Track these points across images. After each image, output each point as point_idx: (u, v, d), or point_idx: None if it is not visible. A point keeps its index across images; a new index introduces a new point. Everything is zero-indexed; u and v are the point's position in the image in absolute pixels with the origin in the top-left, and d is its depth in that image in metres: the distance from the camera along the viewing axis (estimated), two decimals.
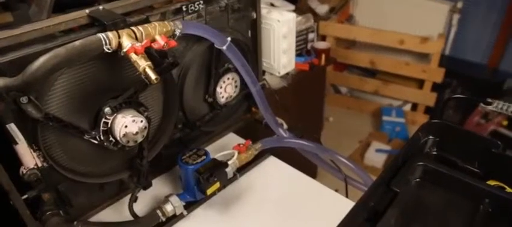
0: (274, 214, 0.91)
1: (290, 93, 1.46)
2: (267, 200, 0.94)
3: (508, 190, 0.54)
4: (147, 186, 0.92)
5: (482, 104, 0.55)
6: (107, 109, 0.68)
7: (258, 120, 1.07)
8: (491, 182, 0.56)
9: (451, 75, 2.51)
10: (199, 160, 0.83)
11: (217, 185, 0.84)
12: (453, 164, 0.59)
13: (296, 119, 1.15)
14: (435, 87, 2.56)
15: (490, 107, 0.55)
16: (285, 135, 0.97)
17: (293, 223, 0.87)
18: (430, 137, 0.59)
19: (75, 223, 0.73)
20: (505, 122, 2.23)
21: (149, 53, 0.63)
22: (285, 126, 1.03)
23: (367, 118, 2.85)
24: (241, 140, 0.96)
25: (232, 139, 1.08)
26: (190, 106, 0.90)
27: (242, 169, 0.98)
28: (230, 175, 0.88)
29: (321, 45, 1.90)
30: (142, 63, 0.59)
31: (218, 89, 0.93)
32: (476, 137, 0.58)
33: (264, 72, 1.03)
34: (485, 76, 2.61)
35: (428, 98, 2.60)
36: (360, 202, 0.45)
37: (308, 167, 1.09)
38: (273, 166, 1.05)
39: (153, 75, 0.59)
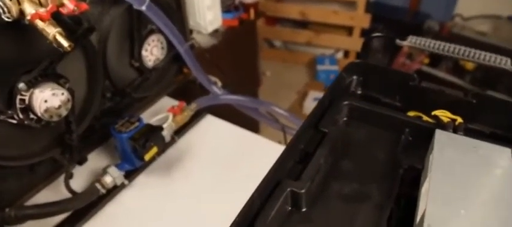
0: (217, 170, 0.92)
1: (222, 51, 1.44)
2: (210, 158, 0.95)
3: (425, 118, 0.58)
4: (81, 161, 0.89)
5: (397, 40, 0.58)
6: (21, 85, 0.63)
7: (192, 81, 1.06)
8: (411, 113, 0.60)
9: (377, 20, 2.61)
10: (132, 127, 0.81)
11: (155, 149, 0.83)
12: (377, 100, 0.62)
13: (232, 76, 1.15)
14: (364, 33, 2.65)
15: (404, 43, 0.58)
16: (219, 92, 0.97)
17: (238, 177, 0.89)
18: (354, 77, 0.62)
19: (7, 210, 0.69)
20: (427, 60, 2.39)
21: (60, 19, 0.58)
22: (220, 84, 1.03)
23: (303, 69, 2.91)
24: (177, 103, 0.94)
25: (167, 103, 1.06)
26: (116, 73, 0.86)
27: (180, 131, 0.97)
28: (168, 138, 0.88)
29: None
30: (51, 31, 0.54)
31: (144, 53, 0.89)
32: (395, 73, 0.61)
33: (191, 31, 1.00)
34: (407, 19, 2.74)
35: (358, 44, 2.70)
36: (290, 145, 0.46)
37: (250, 123, 1.11)
38: (211, 124, 1.05)
39: (65, 43, 0.55)
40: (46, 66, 0.64)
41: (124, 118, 0.84)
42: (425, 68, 2.38)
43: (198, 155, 0.96)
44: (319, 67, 2.75)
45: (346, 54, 2.86)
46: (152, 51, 0.91)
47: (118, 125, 0.82)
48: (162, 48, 0.94)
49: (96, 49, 0.76)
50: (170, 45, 0.93)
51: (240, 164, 0.93)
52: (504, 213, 0.40)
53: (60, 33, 0.55)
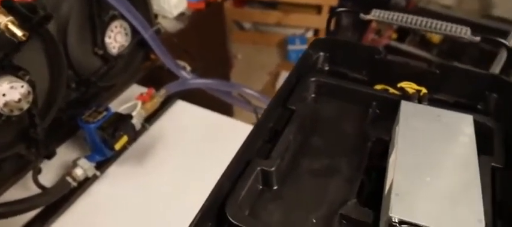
0: (191, 156, 0.91)
1: (190, 35, 1.41)
2: (183, 144, 0.94)
3: (391, 90, 0.59)
4: (50, 155, 0.87)
5: (361, 15, 0.58)
6: None
7: (160, 67, 1.04)
8: (378, 87, 0.61)
9: None
10: (100, 117, 0.80)
11: (125, 138, 0.82)
12: (344, 76, 0.63)
13: (202, 60, 1.13)
14: (332, 11, 2.66)
15: (368, 17, 0.58)
16: (188, 77, 0.96)
17: (212, 161, 0.87)
18: (321, 53, 0.62)
19: None
20: (395, 36, 2.43)
21: (12, 7, 0.55)
22: (188, 68, 1.01)
23: (274, 50, 2.91)
24: (145, 90, 0.93)
25: (136, 91, 1.03)
26: (79, 62, 0.83)
27: (151, 119, 0.96)
28: (138, 126, 0.86)
29: None
30: (2, 20, 0.51)
31: (107, 40, 0.86)
32: (361, 47, 0.62)
33: (156, 15, 0.97)
34: None
35: None
36: (258, 124, 0.46)
37: (224, 108, 1.10)
38: (182, 110, 1.04)
39: (19, 32, 0.52)
40: (1, 59, 0.61)
41: (91, 108, 0.82)
42: (394, 43, 2.42)
43: (170, 141, 0.95)
44: (290, 47, 2.76)
45: (316, 33, 2.87)
46: (116, 38, 0.88)
47: (85, 116, 0.80)
48: (126, 34, 0.91)
49: (56, 38, 0.73)
50: (134, 31, 0.90)
51: (214, 148, 0.92)
52: (467, 177, 0.41)
53: (13, 22, 0.52)
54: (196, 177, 0.86)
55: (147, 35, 0.85)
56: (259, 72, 2.65)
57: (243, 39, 2.93)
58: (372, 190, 0.47)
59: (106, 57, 0.88)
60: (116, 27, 0.87)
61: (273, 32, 2.94)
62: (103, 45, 0.86)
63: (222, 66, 2.00)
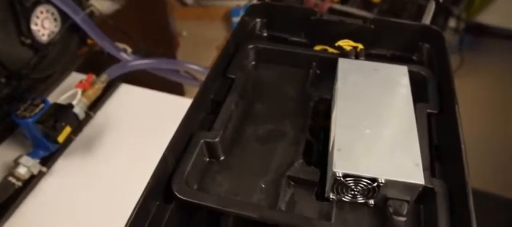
0: (142, 140, 0.89)
1: (128, 15, 1.35)
2: (132, 128, 0.92)
3: (330, 50, 0.60)
4: None
5: None
6: None
7: (100, 51, 0.99)
8: (318, 47, 0.61)
9: None
10: (37, 110, 0.75)
11: (68, 129, 0.78)
12: (283, 40, 0.62)
13: (144, 41, 1.09)
14: None
15: None
16: (129, 59, 0.92)
17: (165, 142, 0.86)
18: (258, 19, 0.61)
19: None
20: None
21: None
22: (129, 50, 0.98)
23: (219, 24, 2.87)
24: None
25: (76, 79, 0.99)
26: (5, 54, 0.77)
27: (95, 106, 0.92)
28: (81, 115, 0.83)
29: None
30: None
31: (34, 27, 0.81)
32: (296, 9, 0.61)
33: None
34: None
35: None
36: (197, 97, 0.45)
37: (175, 88, 1.07)
38: (127, 93, 1.00)
39: None
40: None
41: (26, 102, 0.77)
42: (337, 6, 2.45)
43: (118, 127, 0.92)
44: (235, 19, 2.73)
45: None
46: (44, 25, 0.83)
47: (20, 111, 0.76)
48: (55, 19, 0.85)
49: None
50: (64, 16, 0.85)
51: (166, 129, 0.90)
52: (405, 125, 0.43)
53: None
54: (149, 160, 0.84)
55: (78, 18, 0.80)
56: (206, 48, 2.61)
57: (187, 16, 2.87)
58: (321, 150, 0.48)
59: (35, 46, 0.82)
60: (41, 12, 0.81)
61: (216, 5, 2.89)
62: (30, 34, 0.80)
63: (167, 45, 1.95)
